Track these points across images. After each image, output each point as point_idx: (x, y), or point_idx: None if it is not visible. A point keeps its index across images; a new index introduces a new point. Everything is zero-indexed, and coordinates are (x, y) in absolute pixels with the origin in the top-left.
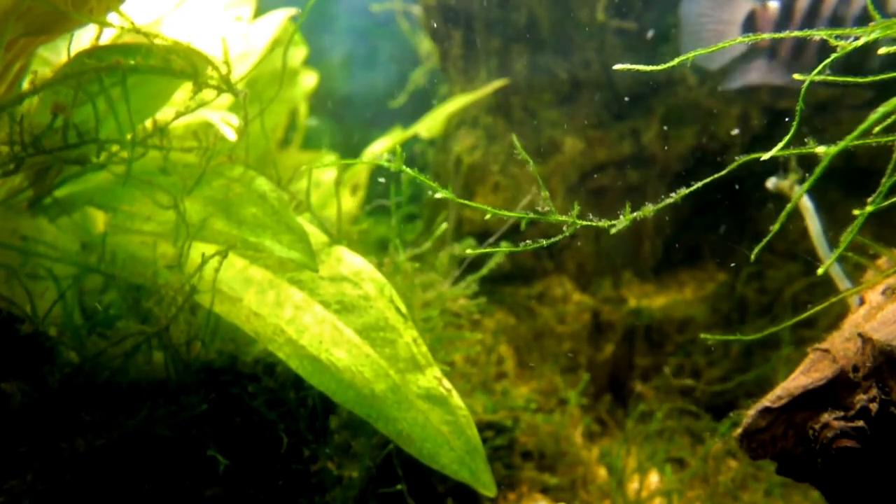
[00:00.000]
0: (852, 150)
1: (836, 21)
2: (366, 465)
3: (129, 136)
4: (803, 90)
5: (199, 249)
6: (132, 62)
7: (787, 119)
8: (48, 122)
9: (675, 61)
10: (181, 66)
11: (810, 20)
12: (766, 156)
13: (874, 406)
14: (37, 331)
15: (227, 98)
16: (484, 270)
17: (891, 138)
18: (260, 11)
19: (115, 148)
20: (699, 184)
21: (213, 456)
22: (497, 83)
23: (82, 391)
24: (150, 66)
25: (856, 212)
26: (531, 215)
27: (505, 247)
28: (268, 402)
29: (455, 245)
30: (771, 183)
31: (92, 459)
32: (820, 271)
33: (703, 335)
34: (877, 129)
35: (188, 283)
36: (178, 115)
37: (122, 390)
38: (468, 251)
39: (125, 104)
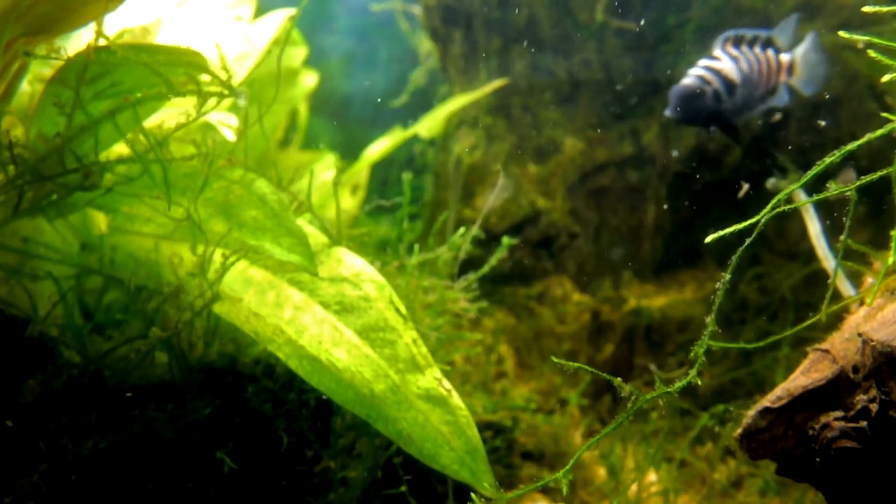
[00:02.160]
0: (853, 151)
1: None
2: (368, 465)
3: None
4: None
5: (199, 252)
6: (133, 64)
7: (787, 119)
8: (49, 125)
9: None
10: (181, 71)
11: None
12: None
13: (874, 406)
14: (40, 332)
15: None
16: (486, 268)
17: None
18: (260, 11)
19: (114, 153)
20: None
21: (216, 457)
22: (497, 83)
23: (87, 392)
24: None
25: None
26: None
27: (505, 245)
28: (269, 402)
29: (457, 241)
30: (770, 183)
31: (97, 460)
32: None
33: (708, 342)
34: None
35: (210, 289)
36: (179, 126)
37: (127, 391)
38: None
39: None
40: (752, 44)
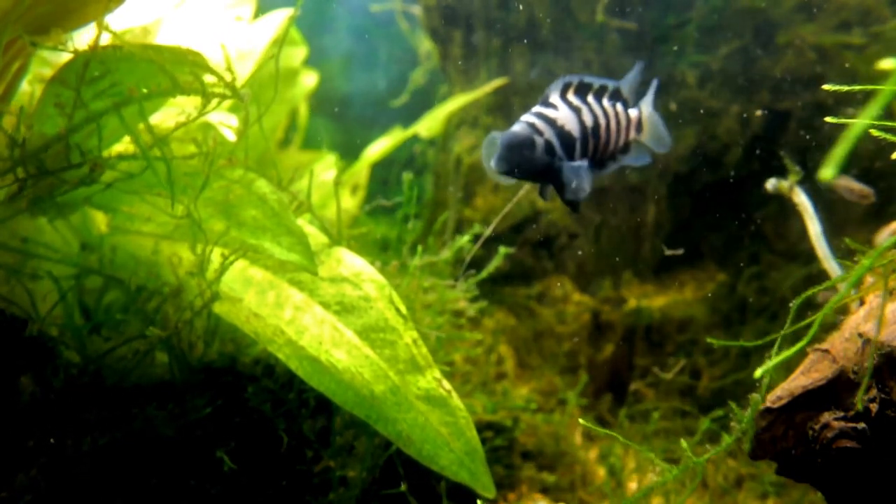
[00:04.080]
0: (853, 151)
1: None
2: (368, 465)
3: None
4: None
5: (200, 251)
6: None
7: (787, 118)
8: (49, 125)
9: None
10: (187, 70)
11: None
12: None
13: (874, 406)
14: (40, 331)
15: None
16: (484, 273)
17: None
18: (260, 11)
19: (115, 152)
20: None
21: (217, 455)
22: (497, 82)
23: (86, 390)
24: (157, 85)
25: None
26: None
27: (504, 247)
28: (269, 402)
29: (457, 240)
30: (770, 184)
31: (97, 456)
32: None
33: (709, 339)
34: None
35: (210, 288)
36: (180, 125)
37: (127, 390)
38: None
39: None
40: (599, 94)
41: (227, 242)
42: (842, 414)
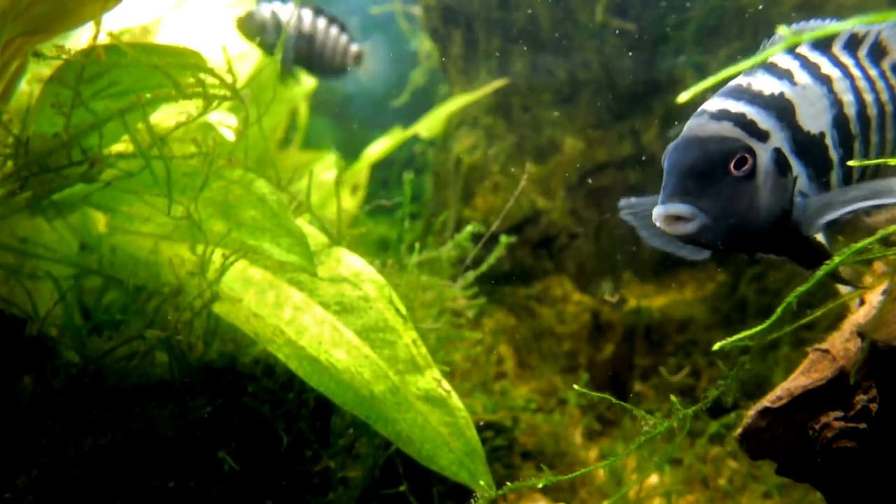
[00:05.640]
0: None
1: None
2: (368, 465)
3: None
4: None
5: (199, 252)
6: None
7: None
8: (47, 124)
9: None
10: (188, 73)
11: None
12: None
13: (874, 406)
14: (40, 331)
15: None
16: (484, 266)
17: None
18: None
19: (115, 151)
20: None
21: (217, 455)
22: (497, 83)
23: (87, 390)
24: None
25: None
26: None
27: (505, 236)
28: (269, 402)
29: (461, 243)
30: None
31: (98, 456)
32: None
33: (717, 345)
34: None
35: (209, 289)
36: (179, 125)
37: (127, 390)
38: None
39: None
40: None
41: (227, 243)
42: (842, 414)
